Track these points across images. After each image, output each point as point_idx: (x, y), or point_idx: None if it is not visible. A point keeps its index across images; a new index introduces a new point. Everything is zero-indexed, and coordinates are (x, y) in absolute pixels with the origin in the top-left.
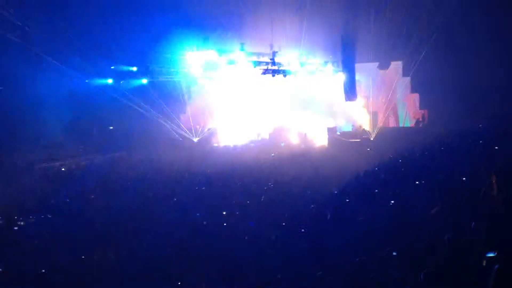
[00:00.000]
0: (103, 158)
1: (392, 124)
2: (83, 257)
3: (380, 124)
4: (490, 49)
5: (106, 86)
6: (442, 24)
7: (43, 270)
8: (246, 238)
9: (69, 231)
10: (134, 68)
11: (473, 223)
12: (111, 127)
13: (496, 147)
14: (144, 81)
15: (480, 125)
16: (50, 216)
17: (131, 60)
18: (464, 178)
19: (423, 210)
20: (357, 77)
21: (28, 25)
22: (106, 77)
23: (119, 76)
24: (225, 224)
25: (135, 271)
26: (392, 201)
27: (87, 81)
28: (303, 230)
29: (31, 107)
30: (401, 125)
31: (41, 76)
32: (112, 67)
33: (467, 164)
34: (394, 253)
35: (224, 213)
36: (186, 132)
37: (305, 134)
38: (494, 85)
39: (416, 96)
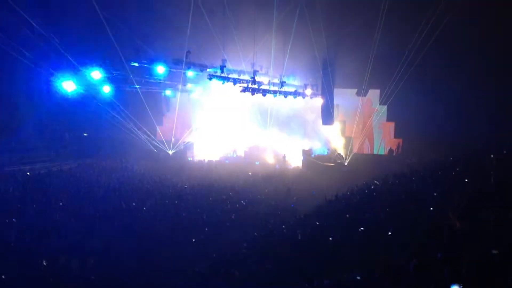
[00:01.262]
0: (75, 165)
1: (366, 150)
2: (44, 263)
3: (355, 150)
4: (467, 83)
5: (82, 91)
6: (421, 56)
7: (3, 276)
8: (214, 255)
9: (32, 236)
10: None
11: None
12: (85, 134)
13: (466, 180)
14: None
15: (451, 158)
16: (14, 220)
17: (110, 68)
18: (431, 209)
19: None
20: (335, 101)
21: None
22: (82, 82)
23: (96, 82)
24: (193, 240)
25: (99, 280)
26: (362, 228)
27: (62, 84)
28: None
29: (2, 108)
30: (375, 152)
31: (14, 77)
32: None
33: (436, 196)
34: (358, 277)
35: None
36: (161, 144)
37: (284, 156)
38: (470, 119)
39: (391, 125)
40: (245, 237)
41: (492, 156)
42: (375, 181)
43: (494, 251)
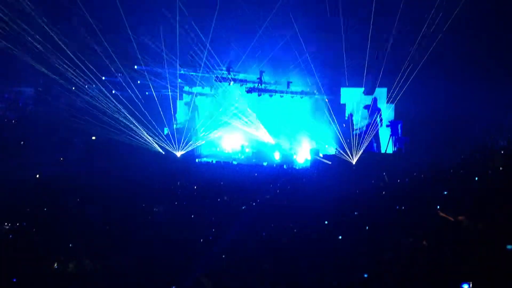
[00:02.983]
0: (82, 168)
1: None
2: (55, 266)
3: (362, 148)
4: (476, 83)
5: (90, 93)
6: (430, 54)
7: (14, 279)
8: (223, 256)
9: (42, 240)
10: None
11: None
12: (94, 137)
13: (476, 178)
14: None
15: (462, 156)
16: (25, 224)
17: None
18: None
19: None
20: (342, 101)
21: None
22: (91, 84)
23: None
24: (201, 240)
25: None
26: (367, 227)
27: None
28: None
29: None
30: (383, 151)
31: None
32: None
33: (446, 195)
34: (365, 276)
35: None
36: (169, 145)
37: (292, 155)
38: (478, 119)
39: (399, 123)
40: (253, 237)
41: (501, 153)
42: (385, 177)
43: (509, 246)
